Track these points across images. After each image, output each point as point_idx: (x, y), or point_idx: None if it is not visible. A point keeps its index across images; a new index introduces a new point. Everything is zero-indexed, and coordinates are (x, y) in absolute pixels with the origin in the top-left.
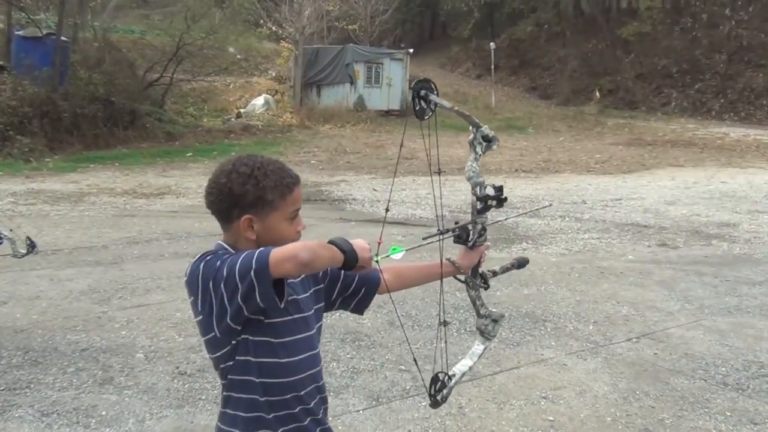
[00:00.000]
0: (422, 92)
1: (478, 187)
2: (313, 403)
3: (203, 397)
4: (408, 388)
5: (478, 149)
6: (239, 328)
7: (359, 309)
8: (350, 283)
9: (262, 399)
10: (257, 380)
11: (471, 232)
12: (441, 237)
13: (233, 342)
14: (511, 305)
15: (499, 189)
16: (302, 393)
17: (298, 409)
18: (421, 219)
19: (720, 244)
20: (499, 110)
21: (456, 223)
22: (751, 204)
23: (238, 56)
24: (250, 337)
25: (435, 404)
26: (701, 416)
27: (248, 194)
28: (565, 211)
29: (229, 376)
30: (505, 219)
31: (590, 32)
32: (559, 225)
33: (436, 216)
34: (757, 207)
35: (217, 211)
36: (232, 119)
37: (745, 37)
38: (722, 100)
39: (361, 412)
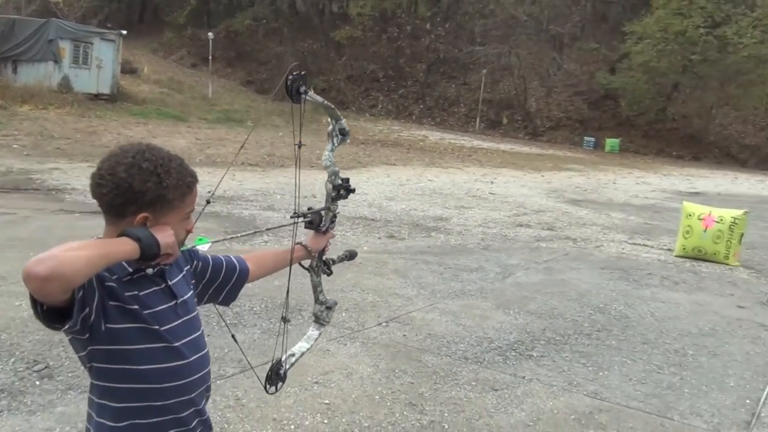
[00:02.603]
0: (301, 89)
1: (334, 176)
2: (203, 403)
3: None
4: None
5: (335, 141)
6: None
7: (228, 301)
8: (218, 275)
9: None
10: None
11: (323, 218)
12: (296, 221)
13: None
14: (265, 297)
15: (347, 180)
16: (194, 395)
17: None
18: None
19: (438, 236)
20: (216, 101)
21: (309, 209)
22: (457, 200)
23: None
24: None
25: (275, 387)
26: (453, 387)
27: (149, 192)
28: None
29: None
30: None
31: (306, 32)
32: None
33: (296, 201)
34: (462, 203)
35: (108, 204)
36: None
37: (441, 51)
38: (421, 106)
39: None
